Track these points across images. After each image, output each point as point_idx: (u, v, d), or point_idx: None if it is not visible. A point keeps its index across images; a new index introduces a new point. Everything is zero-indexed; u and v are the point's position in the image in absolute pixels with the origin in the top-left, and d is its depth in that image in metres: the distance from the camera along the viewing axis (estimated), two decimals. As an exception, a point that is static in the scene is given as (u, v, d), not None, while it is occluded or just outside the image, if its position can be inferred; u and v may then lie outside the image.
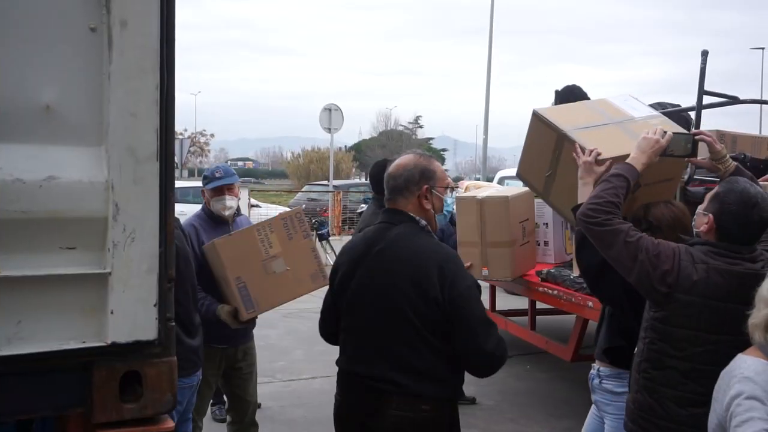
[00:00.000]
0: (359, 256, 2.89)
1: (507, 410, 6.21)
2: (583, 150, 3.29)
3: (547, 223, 6.27)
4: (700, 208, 2.82)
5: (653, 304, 2.74)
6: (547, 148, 3.70)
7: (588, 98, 6.97)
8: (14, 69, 1.80)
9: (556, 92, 6.99)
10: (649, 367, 2.73)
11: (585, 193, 3.12)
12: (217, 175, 4.24)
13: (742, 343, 2.40)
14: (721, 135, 5.01)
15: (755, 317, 2.29)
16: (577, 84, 7.23)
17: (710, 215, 2.71)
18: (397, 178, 2.84)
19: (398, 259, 2.77)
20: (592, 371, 3.50)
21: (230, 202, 4.26)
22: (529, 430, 5.77)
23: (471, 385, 6.71)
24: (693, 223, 2.88)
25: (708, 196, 2.81)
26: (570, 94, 6.79)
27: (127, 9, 1.89)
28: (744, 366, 2.29)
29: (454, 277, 2.70)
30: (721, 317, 2.60)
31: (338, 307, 2.96)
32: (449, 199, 2.86)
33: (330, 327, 3.09)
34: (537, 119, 3.75)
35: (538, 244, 6.20)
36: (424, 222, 2.84)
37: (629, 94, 3.90)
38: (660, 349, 2.70)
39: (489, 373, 2.80)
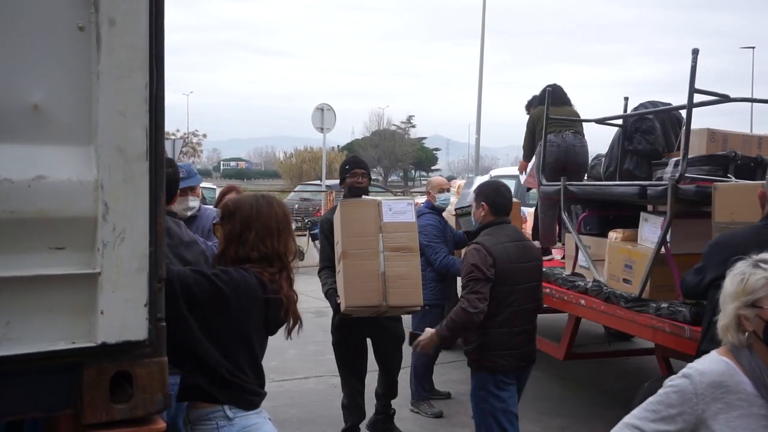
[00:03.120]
0: None
1: (500, 409, 6.21)
2: None
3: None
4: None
5: None
6: None
7: (568, 98, 7.02)
8: (2, 68, 1.79)
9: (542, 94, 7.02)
10: None
11: None
12: (182, 175, 4.01)
13: None
14: (713, 133, 5.03)
15: (723, 318, 2.27)
16: (558, 84, 7.28)
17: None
18: None
19: None
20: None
21: (193, 203, 4.41)
22: (522, 429, 5.74)
23: (462, 383, 6.72)
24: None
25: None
26: (550, 95, 6.85)
27: (116, 7, 1.87)
28: (702, 360, 2.30)
29: None
30: None
31: None
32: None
33: None
34: None
35: None
36: None
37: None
38: None
39: None
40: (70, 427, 2.09)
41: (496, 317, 4.08)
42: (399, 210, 4.58)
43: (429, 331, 4.25)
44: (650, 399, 2.30)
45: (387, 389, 5.52)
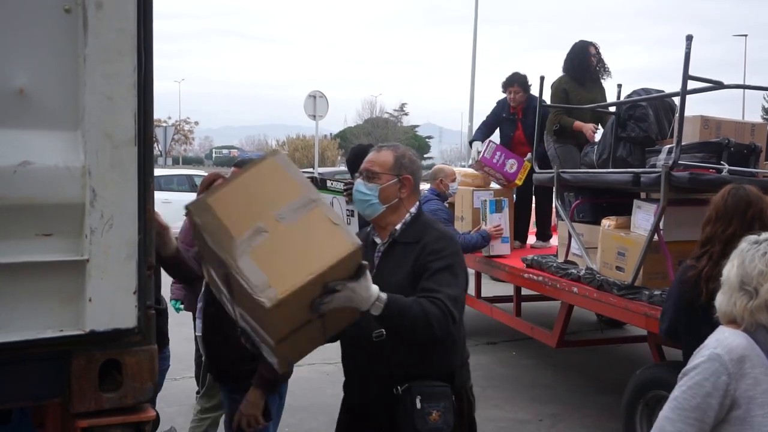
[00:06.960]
0: None
1: (492, 396, 6.22)
2: None
3: None
4: None
5: None
6: None
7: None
8: (-14, 51, 1.76)
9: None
10: None
11: None
12: None
13: None
14: (706, 120, 5.01)
15: (753, 299, 2.11)
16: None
17: None
18: None
19: None
20: None
21: None
22: (514, 416, 5.78)
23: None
24: None
25: None
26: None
27: (103, -10, 1.84)
28: (721, 337, 2.17)
29: None
30: None
31: None
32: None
33: None
34: None
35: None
36: None
37: None
38: None
39: None
40: (59, 415, 2.07)
41: None
42: None
43: None
44: (681, 396, 2.12)
45: None
